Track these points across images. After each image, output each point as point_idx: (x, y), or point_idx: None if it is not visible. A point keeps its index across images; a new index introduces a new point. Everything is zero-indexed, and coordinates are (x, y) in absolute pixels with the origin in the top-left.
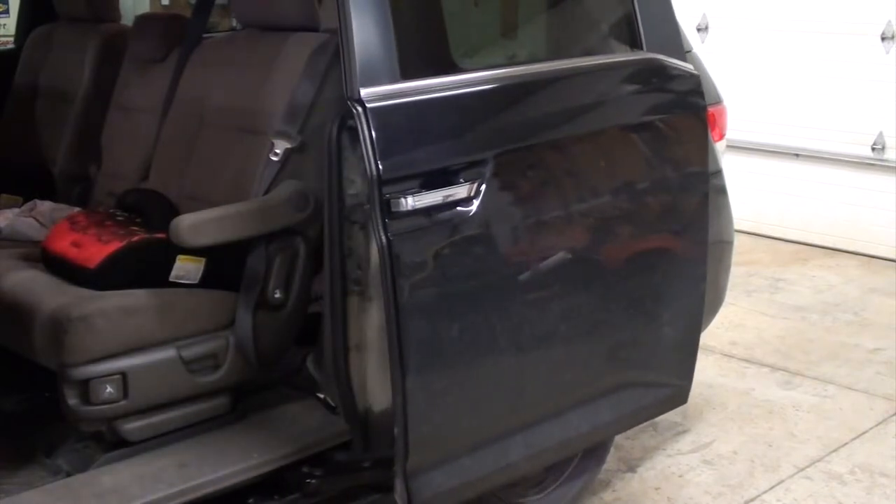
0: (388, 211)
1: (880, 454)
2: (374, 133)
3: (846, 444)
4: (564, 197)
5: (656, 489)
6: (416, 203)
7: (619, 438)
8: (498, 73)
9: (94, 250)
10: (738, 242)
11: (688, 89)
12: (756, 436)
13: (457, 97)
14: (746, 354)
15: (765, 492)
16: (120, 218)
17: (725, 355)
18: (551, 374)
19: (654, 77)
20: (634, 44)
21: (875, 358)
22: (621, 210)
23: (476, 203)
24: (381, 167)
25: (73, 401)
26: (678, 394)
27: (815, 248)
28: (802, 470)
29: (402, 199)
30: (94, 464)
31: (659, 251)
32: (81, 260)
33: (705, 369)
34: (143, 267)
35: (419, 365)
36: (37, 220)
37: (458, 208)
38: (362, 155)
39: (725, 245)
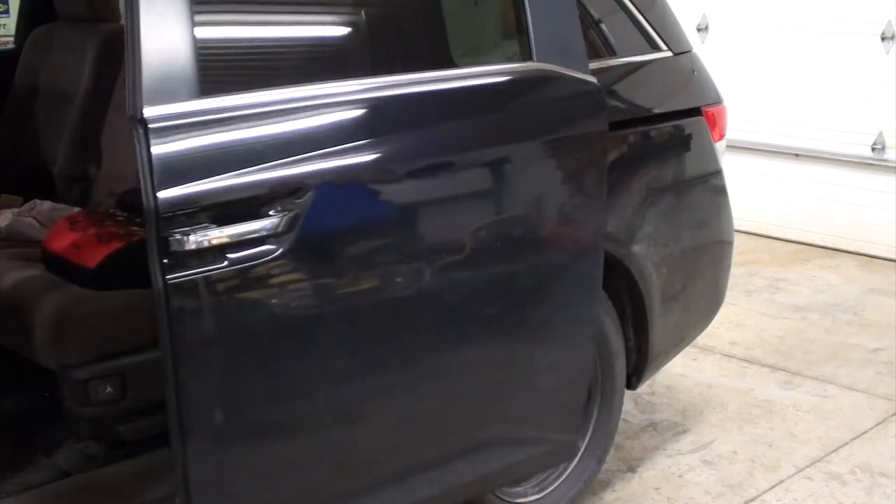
0: (166, 251)
1: (880, 454)
2: (153, 160)
3: (846, 444)
4: (407, 227)
5: (656, 489)
6: (204, 241)
7: (619, 438)
8: (321, 89)
9: (94, 250)
10: (738, 242)
11: (584, 105)
12: (756, 436)
13: (268, 116)
14: (746, 354)
15: (765, 492)
16: (120, 218)
17: (725, 355)
18: (388, 434)
19: (543, 91)
20: (522, 52)
21: (875, 358)
22: (483, 244)
23: (289, 239)
24: (158, 200)
25: (73, 401)
26: (561, 449)
27: (815, 248)
28: (802, 470)
29: (185, 237)
30: (94, 464)
31: (533, 291)
32: (81, 260)
33: (705, 369)
34: (143, 267)
35: (205, 430)
36: (37, 220)
37: (265, 246)
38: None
39: (725, 245)
